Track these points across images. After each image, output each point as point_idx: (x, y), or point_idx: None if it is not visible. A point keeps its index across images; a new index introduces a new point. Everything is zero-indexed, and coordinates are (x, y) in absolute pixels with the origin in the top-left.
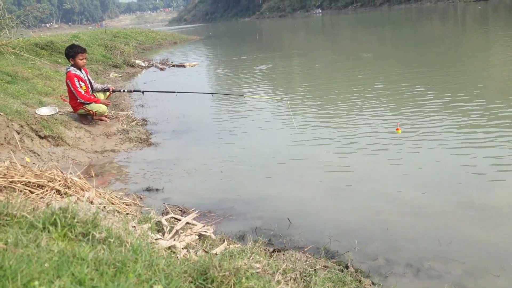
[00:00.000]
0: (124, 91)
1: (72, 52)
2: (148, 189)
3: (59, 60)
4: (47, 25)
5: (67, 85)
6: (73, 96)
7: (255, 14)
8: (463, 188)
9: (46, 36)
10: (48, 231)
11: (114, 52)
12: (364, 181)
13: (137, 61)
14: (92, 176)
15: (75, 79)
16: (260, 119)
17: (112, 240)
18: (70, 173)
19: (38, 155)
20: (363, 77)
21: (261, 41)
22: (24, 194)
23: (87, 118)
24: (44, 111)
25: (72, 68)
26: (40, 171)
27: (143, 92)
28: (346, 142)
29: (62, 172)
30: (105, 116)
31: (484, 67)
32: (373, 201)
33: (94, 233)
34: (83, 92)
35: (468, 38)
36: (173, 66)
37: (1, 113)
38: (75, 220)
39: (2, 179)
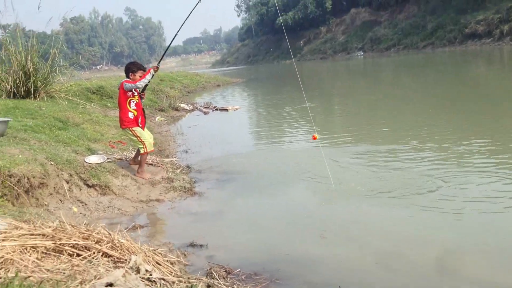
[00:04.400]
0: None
1: (134, 68)
2: (192, 245)
3: (108, 104)
4: (98, 67)
5: (121, 93)
6: (125, 108)
7: (296, 57)
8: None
9: (97, 80)
10: None
11: (160, 96)
12: (423, 246)
13: (182, 105)
14: (137, 228)
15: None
16: (310, 169)
17: None
18: (118, 232)
19: (86, 204)
20: (404, 121)
21: (302, 83)
22: (70, 256)
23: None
24: (93, 159)
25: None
26: (87, 229)
27: (158, 63)
28: (401, 196)
29: (109, 233)
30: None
31: None
32: (430, 268)
33: None
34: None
35: None
36: (216, 109)
37: (52, 163)
38: None
39: (51, 241)
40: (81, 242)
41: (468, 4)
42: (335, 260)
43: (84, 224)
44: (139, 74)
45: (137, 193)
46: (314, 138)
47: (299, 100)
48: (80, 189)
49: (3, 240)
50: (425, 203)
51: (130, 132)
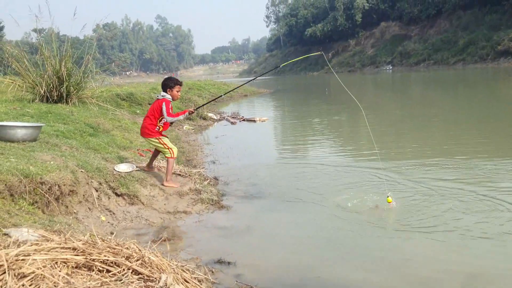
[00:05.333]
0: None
1: (172, 83)
2: (220, 262)
3: (137, 111)
4: (127, 73)
5: (157, 108)
6: (154, 121)
7: (323, 69)
8: None
9: (127, 87)
10: None
11: (188, 105)
12: (469, 277)
13: (210, 114)
14: (165, 241)
15: (170, 105)
16: (341, 184)
17: None
18: (148, 248)
19: (113, 213)
20: (434, 140)
21: (329, 96)
22: (100, 272)
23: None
24: (122, 167)
25: (168, 96)
26: (117, 244)
27: (196, 109)
28: (443, 223)
29: (139, 249)
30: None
31: None
32: None
33: None
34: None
35: None
36: (244, 120)
37: (82, 170)
38: None
39: (82, 255)
40: (111, 258)
41: (502, 20)
42: (370, 286)
43: (112, 235)
44: (176, 89)
45: (165, 204)
46: (389, 202)
47: (327, 112)
48: (109, 198)
49: (34, 253)
50: (473, 229)
51: (157, 141)
